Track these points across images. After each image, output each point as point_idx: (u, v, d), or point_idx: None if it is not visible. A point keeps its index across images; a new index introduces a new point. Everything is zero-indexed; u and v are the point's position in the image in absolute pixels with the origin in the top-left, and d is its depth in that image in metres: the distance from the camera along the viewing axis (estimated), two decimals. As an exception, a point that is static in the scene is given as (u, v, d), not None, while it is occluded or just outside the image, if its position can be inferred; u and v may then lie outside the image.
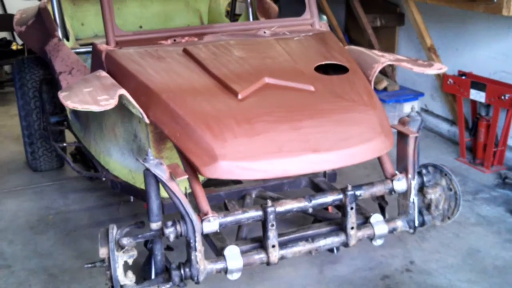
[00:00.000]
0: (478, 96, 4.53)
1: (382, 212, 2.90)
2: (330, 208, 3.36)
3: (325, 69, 3.01)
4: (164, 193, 2.47)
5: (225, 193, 3.11)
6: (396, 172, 2.76)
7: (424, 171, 2.83)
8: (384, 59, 3.06)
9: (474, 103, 4.76)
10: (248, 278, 3.20)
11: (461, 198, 2.81)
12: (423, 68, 3.03)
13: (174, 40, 3.19)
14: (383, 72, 5.90)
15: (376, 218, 2.73)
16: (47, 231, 3.87)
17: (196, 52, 2.99)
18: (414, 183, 2.73)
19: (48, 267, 3.43)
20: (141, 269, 3.03)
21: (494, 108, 4.44)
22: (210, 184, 3.14)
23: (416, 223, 2.78)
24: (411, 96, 5.62)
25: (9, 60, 7.29)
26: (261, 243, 2.57)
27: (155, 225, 2.43)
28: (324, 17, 6.49)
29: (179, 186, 2.37)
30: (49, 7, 4.19)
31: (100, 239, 2.40)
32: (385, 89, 5.76)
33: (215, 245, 2.59)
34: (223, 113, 2.54)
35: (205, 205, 2.46)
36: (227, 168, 2.36)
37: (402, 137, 2.75)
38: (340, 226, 2.70)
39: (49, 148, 4.67)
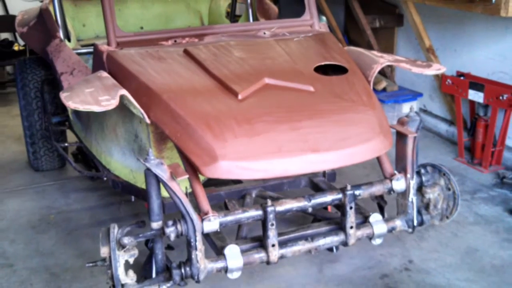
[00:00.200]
0: (476, 96, 4.54)
1: (381, 211, 2.90)
2: (329, 207, 3.37)
3: (324, 70, 3.01)
4: (164, 193, 2.49)
5: (225, 193, 3.12)
6: (395, 172, 2.77)
7: (422, 171, 2.84)
8: (383, 59, 3.07)
9: (472, 103, 4.77)
10: (248, 277, 3.21)
11: (460, 198, 2.82)
12: (421, 69, 3.04)
13: (175, 41, 3.20)
14: (382, 72, 5.90)
15: (375, 217, 2.74)
16: (48, 230, 3.89)
17: (197, 53, 3.01)
18: (413, 183, 2.74)
19: (50, 266, 3.44)
20: (142, 268, 3.04)
21: (492, 108, 4.45)
22: (211, 183, 3.15)
23: (415, 223, 2.78)
24: (410, 97, 5.63)
25: (11, 61, 7.28)
26: (261, 242, 2.58)
27: (156, 225, 2.44)
28: (324, 18, 6.50)
29: (180, 186, 2.37)
30: (51, 8, 4.19)
31: (101, 238, 2.41)
32: (384, 89, 5.78)
33: (215, 244, 2.60)
34: (224, 113, 2.55)
35: (205, 204, 2.46)
36: (227, 168, 2.36)
37: (401, 137, 2.76)
38: (339, 226, 2.71)
39: (51, 148, 4.68)
